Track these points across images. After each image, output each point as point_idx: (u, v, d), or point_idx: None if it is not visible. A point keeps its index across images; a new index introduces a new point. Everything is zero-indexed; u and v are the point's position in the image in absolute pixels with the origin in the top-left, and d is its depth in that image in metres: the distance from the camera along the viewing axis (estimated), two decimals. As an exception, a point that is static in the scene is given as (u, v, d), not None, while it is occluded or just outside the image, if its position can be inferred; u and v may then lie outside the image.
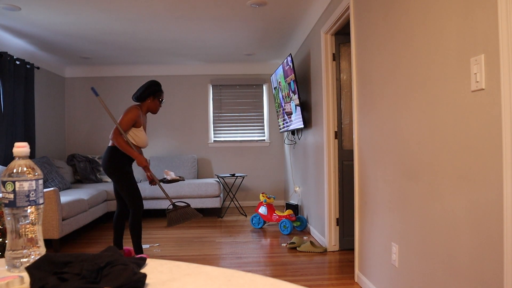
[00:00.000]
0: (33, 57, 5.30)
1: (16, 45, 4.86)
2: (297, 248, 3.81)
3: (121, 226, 3.38)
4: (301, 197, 5.12)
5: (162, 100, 3.41)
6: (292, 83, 4.51)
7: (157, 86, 3.36)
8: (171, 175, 3.97)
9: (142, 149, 3.40)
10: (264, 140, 6.67)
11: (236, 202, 6.25)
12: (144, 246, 4.05)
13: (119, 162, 3.14)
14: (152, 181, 3.40)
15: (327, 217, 3.77)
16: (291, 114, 4.79)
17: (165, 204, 5.53)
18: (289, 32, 4.79)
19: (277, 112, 5.72)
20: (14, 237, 0.80)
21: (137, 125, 3.22)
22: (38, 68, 5.28)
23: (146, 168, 3.21)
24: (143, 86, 3.34)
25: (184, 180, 4.27)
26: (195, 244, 4.12)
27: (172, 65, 6.37)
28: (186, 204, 3.36)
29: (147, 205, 5.51)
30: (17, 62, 4.74)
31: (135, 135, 3.23)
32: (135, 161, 3.66)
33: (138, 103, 3.36)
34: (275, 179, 6.65)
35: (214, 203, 5.55)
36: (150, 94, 3.33)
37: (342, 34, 3.69)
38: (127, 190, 3.18)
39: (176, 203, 3.25)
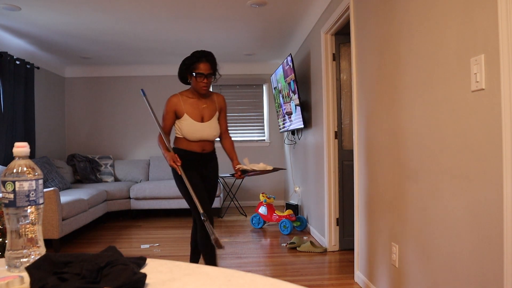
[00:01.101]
0: (33, 57, 5.30)
1: (16, 45, 4.86)
2: (297, 248, 3.81)
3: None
4: (301, 197, 5.12)
5: (199, 73, 2.58)
6: (292, 83, 4.51)
7: (190, 58, 2.63)
8: (250, 165, 2.85)
9: (208, 140, 2.83)
10: (264, 140, 6.67)
11: (236, 202, 6.24)
12: (143, 246, 4.05)
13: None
14: (236, 173, 2.82)
15: (327, 217, 3.77)
16: (291, 114, 4.79)
17: (165, 204, 5.52)
18: (289, 32, 4.79)
19: (277, 112, 5.72)
20: (14, 237, 0.80)
21: (179, 115, 2.67)
22: (38, 68, 5.28)
23: (177, 168, 2.54)
24: None
25: (272, 171, 2.74)
26: (195, 244, 4.11)
27: (172, 65, 6.34)
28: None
29: (147, 205, 5.50)
30: (17, 62, 4.74)
31: (179, 128, 2.70)
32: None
33: (188, 88, 2.78)
34: (275, 179, 6.64)
35: (214, 203, 5.54)
36: (186, 72, 2.66)
37: (342, 34, 3.69)
38: (183, 196, 2.70)
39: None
